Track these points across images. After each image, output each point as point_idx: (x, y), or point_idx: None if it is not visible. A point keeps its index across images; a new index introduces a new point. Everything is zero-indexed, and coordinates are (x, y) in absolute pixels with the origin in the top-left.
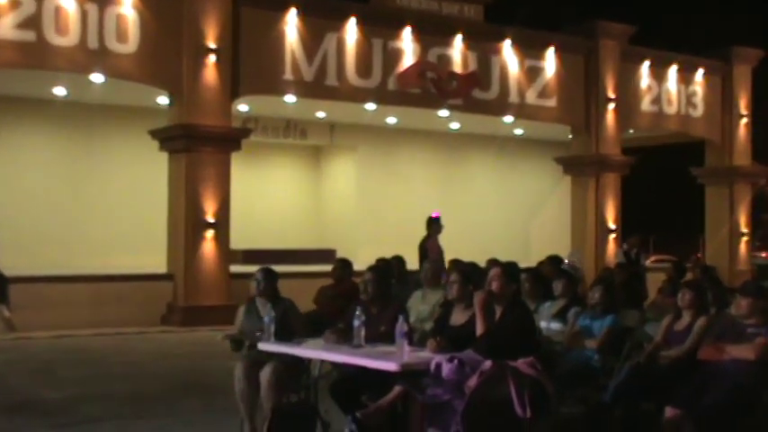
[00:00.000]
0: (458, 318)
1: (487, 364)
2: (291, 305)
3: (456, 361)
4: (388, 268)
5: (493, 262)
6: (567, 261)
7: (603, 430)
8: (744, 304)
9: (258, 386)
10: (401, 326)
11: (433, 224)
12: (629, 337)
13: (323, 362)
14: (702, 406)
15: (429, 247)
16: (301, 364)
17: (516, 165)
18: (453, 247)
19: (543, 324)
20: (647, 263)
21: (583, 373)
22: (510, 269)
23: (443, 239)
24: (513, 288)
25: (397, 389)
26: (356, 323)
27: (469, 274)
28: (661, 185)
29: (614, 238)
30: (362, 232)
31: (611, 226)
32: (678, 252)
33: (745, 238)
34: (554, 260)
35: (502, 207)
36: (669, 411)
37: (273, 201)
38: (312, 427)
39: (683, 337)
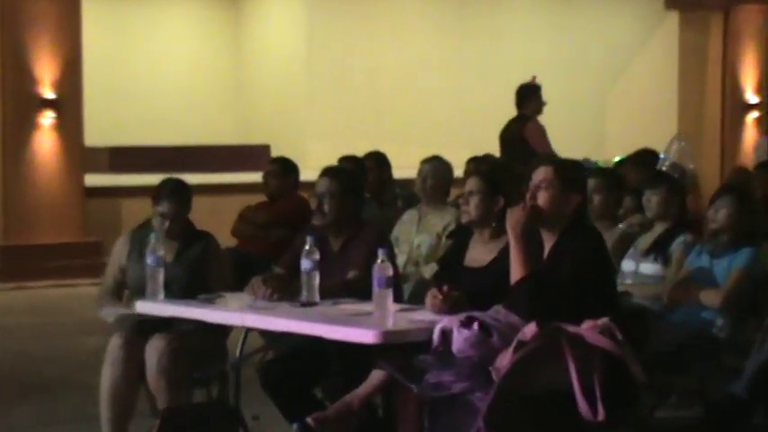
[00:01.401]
0: (478, 255)
1: (530, 329)
2: (210, 244)
3: (475, 326)
4: (357, 175)
5: (540, 159)
6: (666, 157)
7: None
8: None
9: (141, 375)
10: (382, 268)
11: (533, 97)
12: None
13: (248, 333)
14: None
15: (529, 136)
16: (217, 338)
17: None
18: (478, 140)
19: (628, 265)
20: None
21: (697, 347)
22: (569, 170)
23: (453, 129)
24: (576, 202)
25: (375, 376)
26: (305, 266)
27: (499, 178)
28: None
29: (757, 119)
30: (315, 117)
31: (752, 98)
32: None
33: None
34: (644, 157)
35: (558, 72)
36: None
37: (163, 66)
38: None
39: None
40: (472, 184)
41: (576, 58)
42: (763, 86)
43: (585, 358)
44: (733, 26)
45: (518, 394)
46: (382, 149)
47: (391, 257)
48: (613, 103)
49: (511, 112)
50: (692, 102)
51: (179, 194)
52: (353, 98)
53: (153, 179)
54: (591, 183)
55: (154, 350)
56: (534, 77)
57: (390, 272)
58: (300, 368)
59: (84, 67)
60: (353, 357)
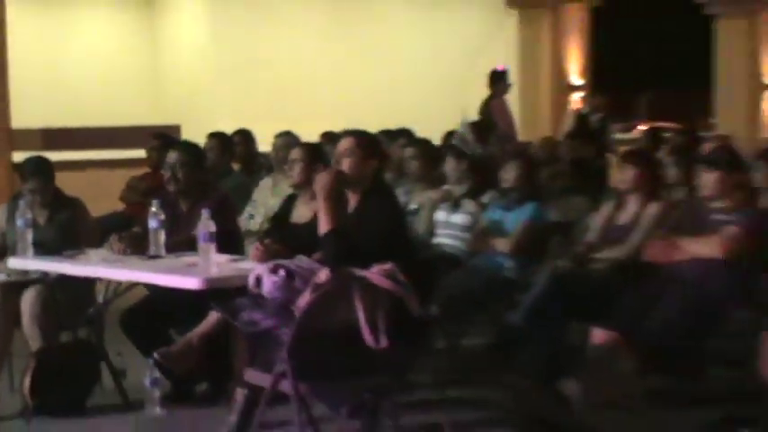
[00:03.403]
0: (301, 213)
1: (323, 274)
2: (77, 207)
3: (282, 272)
4: (199, 148)
5: (345, 132)
6: (459, 132)
7: (516, 364)
8: (710, 180)
9: (17, 322)
10: (205, 226)
11: (498, 80)
12: (560, 235)
13: (110, 283)
14: (647, 327)
15: (493, 112)
16: (83, 288)
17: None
18: (360, 117)
19: (440, 216)
20: (622, 133)
21: (492, 287)
22: (367, 141)
23: (344, 107)
24: (374, 166)
25: (211, 317)
26: (152, 225)
27: (319, 149)
28: (653, 22)
29: (581, 100)
30: (220, 101)
31: (576, 81)
32: (685, 117)
33: None
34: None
35: (426, 60)
36: (599, 335)
37: (89, 59)
38: (95, 377)
39: (628, 233)
40: (295, 153)
41: (442, 49)
42: (585, 71)
43: (372, 297)
44: (561, 21)
45: (315, 328)
46: (280, 127)
47: (230, 218)
48: (473, 86)
49: (390, 92)
50: (529, 85)
51: (42, 171)
52: (253, 83)
53: (81, 155)
54: (409, 151)
55: (27, 300)
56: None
57: (213, 228)
58: (155, 313)
59: (18, 59)
60: (201, 304)
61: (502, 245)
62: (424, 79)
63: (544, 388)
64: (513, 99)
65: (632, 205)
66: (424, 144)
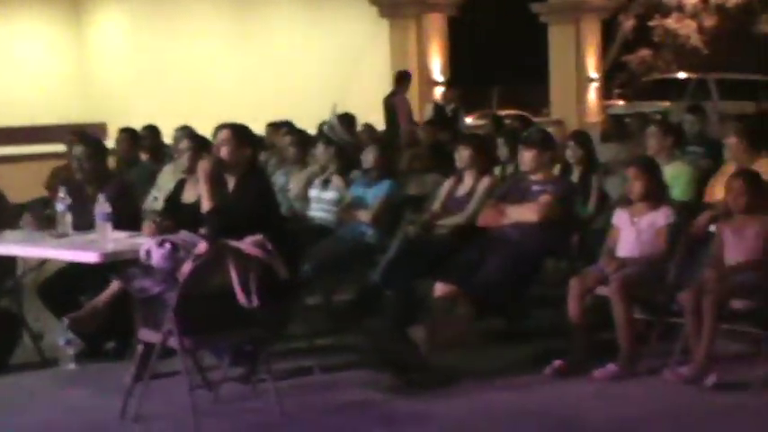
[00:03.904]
0: (189, 194)
1: (202, 246)
2: None
3: (168, 245)
4: (100, 142)
5: (222, 125)
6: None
7: (374, 315)
8: (527, 157)
9: None
10: (101, 207)
11: (403, 80)
12: (413, 207)
13: (27, 259)
14: (477, 280)
15: (395, 106)
16: (6, 264)
17: (324, 10)
18: (256, 111)
19: (313, 193)
20: (478, 120)
21: (355, 251)
22: (242, 132)
23: (245, 104)
24: (248, 154)
25: (113, 284)
26: (59, 208)
27: (203, 139)
28: (501, 28)
29: (443, 94)
30: (140, 101)
31: (438, 77)
32: (529, 105)
33: (595, 85)
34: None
35: (313, 64)
36: (439, 288)
37: (21, 63)
38: (15, 340)
39: (465, 203)
40: (184, 143)
41: (325, 55)
42: (445, 69)
43: (243, 264)
44: (424, 29)
45: (197, 292)
46: (191, 123)
47: (128, 201)
48: (354, 86)
49: (282, 91)
50: None
51: None
52: (169, 84)
53: (18, 150)
54: (287, 139)
55: None
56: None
57: (108, 209)
58: (67, 283)
59: None
60: (106, 275)
61: (364, 216)
62: (312, 80)
63: (397, 334)
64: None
65: (468, 180)
66: (299, 133)
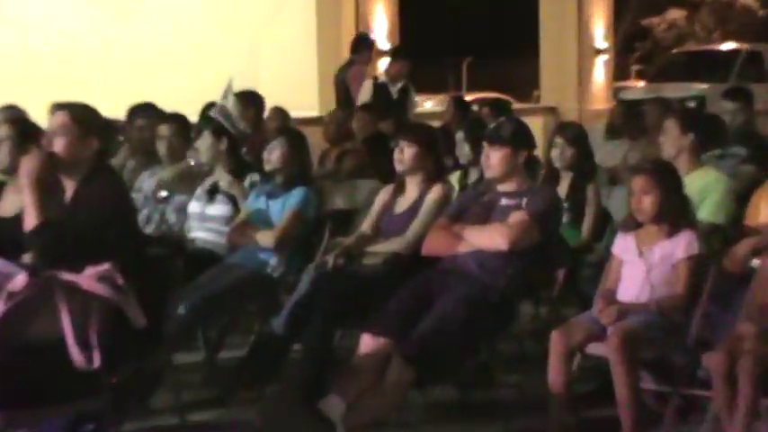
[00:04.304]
0: (9, 204)
1: (20, 279)
2: None
3: None
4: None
5: (56, 106)
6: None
7: (274, 380)
8: (494, 159)
9: None
10: None
11: (365, 47)
12: (334, 226)
13: None
14: (421, 331)
15: (349, 80)
16: None
17: None
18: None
19: (194, 207)
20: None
21: (251, 287)
22: (87, 115)
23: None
24: (95, 147)
25: None
26: None
27: (29, 126)
28: None
29: (389, 68)
30: None
31: (382, 45)
32: (513, 87)
33: (603, 58)
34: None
35: (211, 31)
36: (367, 342)
37: None
38: None
39: (407, 222)
40: (2, 130)
41: (229, 17)
42: (393, 34)
43: (81, 306)
44: None
45: (11, 345)
46: (32, 95)
47: None
48: (268, 56)
49: (164, 63)
50: (328, 53)
51: None
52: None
53: None
54: (162, 129)
55: None
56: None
57: None
58: None
59: None
60: None
61: (265, 238)
62: (205, 48)
63: (304, 407)
64: (309, 67)
65: (412, 190)
66: (176, 120)
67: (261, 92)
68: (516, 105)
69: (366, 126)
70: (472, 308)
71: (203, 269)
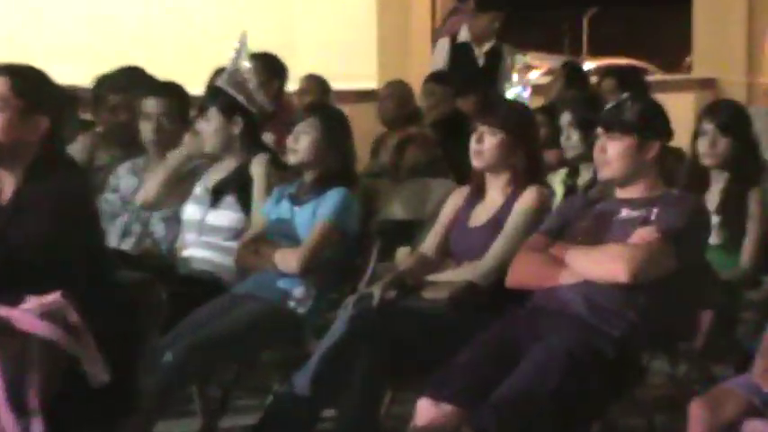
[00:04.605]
0: None
1: None
2: None
3: None
4: None
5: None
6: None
7: None
8: (612, 153)
9: None
10: None
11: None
12: (386, 244)
13: None
14: (501, 396)
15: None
16: None
17: None
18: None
19: (191, 213)
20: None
21: (267, 327)
22: (33, 83)
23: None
24: (44, 127)
25: None
26: None
27: None
28: None
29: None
30: None
31: None
32: (657, 53)
33: None
34: None
35: None
36: (426, 409)
37: None
38: None
39: (485, 239)
40: None
41: None
42: None
43: (17, 352)
44: None
45: None
46: None
47: None
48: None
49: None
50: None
51: None
52: None
53: None
54: (151, 105)
55: None
56: None
57: None
58: None
59: None
60: None
61: (286, 259)
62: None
63: None
64: (365, 22)
65: (495, 194)
66: (168, 91)
67: (297, 57)
68: (657, 77)
69: (438, 103)
70: (576, 365)
71: (201, 301)
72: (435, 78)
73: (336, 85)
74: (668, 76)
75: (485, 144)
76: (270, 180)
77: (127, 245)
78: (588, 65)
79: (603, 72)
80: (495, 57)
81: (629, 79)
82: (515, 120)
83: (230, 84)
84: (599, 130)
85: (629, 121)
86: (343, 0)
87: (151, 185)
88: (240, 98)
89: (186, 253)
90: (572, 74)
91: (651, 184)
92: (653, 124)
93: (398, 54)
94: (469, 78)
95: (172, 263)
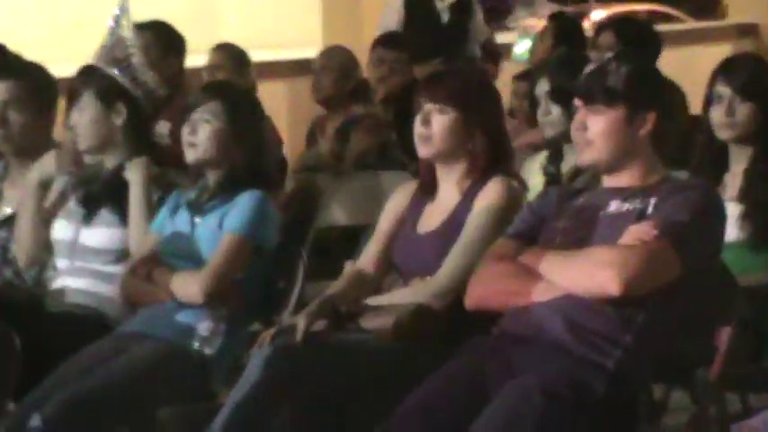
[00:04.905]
0: None
1: None
2: None
3: None
4: None
5: None
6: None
7: None
8: (593, 129)
9: None
10: None
11: None
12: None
13: None
14: None
15: None
16: None
17: None
18: None
19: (63, 231)
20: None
21: (162, 371)
22: None
23: None
24: None
25: None
26: None
27: None
28: None
29: None
30: None
31: None
32: None
33: None
34: None
35: None
36: None
37: None
38: None
39: (438, 249)
40: None
41: None
42: None
43: None
44: None
45: None
46: None
47: None
48: None
49: None
50: None
51: None
52: None
53: None
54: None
55: None
56: None
57: None
58: None
59: None
60: None
61: (186, 285)
62: None
63: None
64: None
65: (448, 190)
66: (21, 71)
67: (220, 21)
68: (685, 25)
69: (390, 74)
70: (557, 407)
71: (78, 345)
72: (385, 42)
73: (269, 54)
74: (699, 24)
75: (432, 126)
76: (150, 189)
77: None
78: (598, 14)
79: (599, 25)
80: (462, 10)
81: (633, 33)
82: (470, 92)
83: (108, 61)
84: (576, 101)
85: (614, 88)
86: None
87: (24, 239)
88: (122, 79)
89: (58, 283)
90: (563, 29)
91: (646, 167)
92: (646, 90)
93: (347, 12)
94: (430, 40)
95: (39, 297)
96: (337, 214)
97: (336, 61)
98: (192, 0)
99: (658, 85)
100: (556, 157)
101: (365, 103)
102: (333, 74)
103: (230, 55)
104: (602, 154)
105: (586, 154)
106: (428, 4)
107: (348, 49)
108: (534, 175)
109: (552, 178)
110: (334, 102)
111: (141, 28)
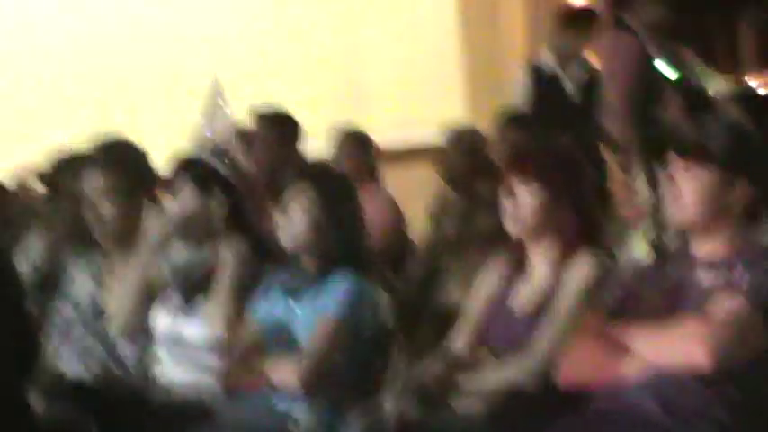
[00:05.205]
0: None
1: None
2: None
3: None
4: None
5: None
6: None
7: None
8: (686, 191)
9: None
10: None
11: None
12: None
13: None
14: None
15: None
16: None
17: None
18: None
19: (164, 323)
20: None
21: None
22: None
23: None
24: None
25: None
26: None
27: None
28: None
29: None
30: None
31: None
32: None
33: None
34: None
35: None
36: None
37: None
38: None
39: (529, 327)
40: None
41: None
42: None
43: None
44: None
45: None
46: None
47: None
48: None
49: None
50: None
51: None
52: None
53: None
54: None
55: None
56: None
57: None
58: None
59: None
60: None
61: (284, 373)
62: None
63: None
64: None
65: (540, 265)
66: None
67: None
68: None
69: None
70: None
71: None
72: (512, 123)
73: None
74: None
75: (520, 204)
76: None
77: (89, 370)
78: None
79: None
80: (589, 80)
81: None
82: (556, 168)
83: (208, 150)
84: (670, 154)
85: (712, 148)
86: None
87: (120, 311)
88: (221, 168)
89: (158, 372)
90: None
91: (732, 234)
92: (742, 154)
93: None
94: (558, 117)
95: (142, 389)
96: (453, 293)
97: (464, 141)
98: (339, 79)
99: (755, 150)
100: (657, 225)
101: (491, 183)
102: (463, 153)
103: (355, 144)
104: (695, 216)
105: (678, 215)
106: (551, 78)
107: (475, 129)
108: (639, 247)
109: (657, 250)
110: (460, 180)
111: (256, 117)
